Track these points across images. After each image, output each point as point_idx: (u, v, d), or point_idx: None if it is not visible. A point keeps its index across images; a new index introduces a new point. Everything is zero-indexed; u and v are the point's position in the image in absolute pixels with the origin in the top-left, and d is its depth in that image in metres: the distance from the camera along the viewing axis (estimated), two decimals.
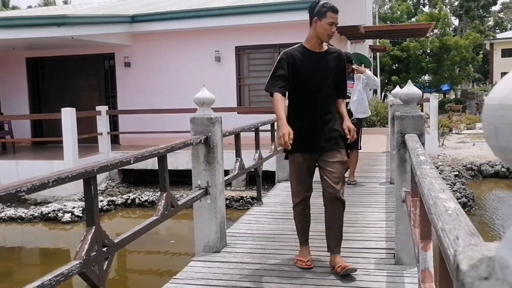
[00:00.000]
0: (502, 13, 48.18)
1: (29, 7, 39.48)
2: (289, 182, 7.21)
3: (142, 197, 9.79)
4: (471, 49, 27.85)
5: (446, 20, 27.48)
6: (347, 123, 3.69)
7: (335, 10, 3.56)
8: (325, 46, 3.73)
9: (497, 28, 40.77)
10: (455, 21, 35.42)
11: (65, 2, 42.69)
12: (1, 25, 11.14)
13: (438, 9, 29.61)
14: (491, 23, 39.37)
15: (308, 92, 3.63)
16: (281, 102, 3.57)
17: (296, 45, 3.73)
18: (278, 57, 3.69)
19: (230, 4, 12.98)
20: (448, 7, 34.20)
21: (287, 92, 3.70)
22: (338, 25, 4.28)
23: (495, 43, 35.78)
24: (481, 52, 30.67)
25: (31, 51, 13.40)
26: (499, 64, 35.12)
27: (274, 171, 7.56)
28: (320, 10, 3.53)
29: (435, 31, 27.44)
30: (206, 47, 12.30)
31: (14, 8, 40.70)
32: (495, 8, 40.07)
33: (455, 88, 33.47)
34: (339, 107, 3.77)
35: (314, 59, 3.64)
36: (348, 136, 3.66)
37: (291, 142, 3.43)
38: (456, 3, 35.13)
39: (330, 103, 3.70)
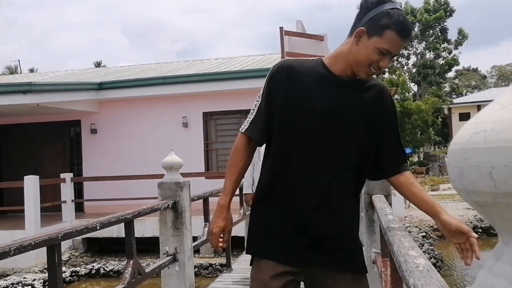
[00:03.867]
0: (457, 80, 50.71)
1: None
2: None
3: (107, 267, 9.44)
4: (431, 113, 28.94)
5: (405, 85, 28.64)
6: (454, 222, 1.89)
7: (403, 32, 1.76)
8: None
9: (454, 93, 42.73)
10: (414, 87, 36.97)
11: (32, 70, 42.78)
12: None
13: (397, 75, 30.94)
14: (447, 88, 41.25)
15: (310, 148, 1.84)
16: (240, 156, 1.99)
17: (311, 59, 1.98)
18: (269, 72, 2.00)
19: (197, 72, 13.27)
20: (407, 74, 35.81)
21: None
22: None
23: (452, 108, 37.33)
24: (440, 116, 31.90)
25: None
26: (457, 128, 36.50)
27: (243, 237, 7.45)
28: (377, 20, 1.75)
29: (396, 96, 28.49)
30: (173, 113, 12.41)
31: None
32: (450, 75, 42.20)
33: (417, 151, 34.42)
34: (409, 188, 1.93)
35: (334, 89, 1.86)
36: (465, 258, 1.81)
37: (223, 245, 1.96)
38: (414, 70, 36.82)
39: (351, 178, 1.87)
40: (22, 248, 2.30)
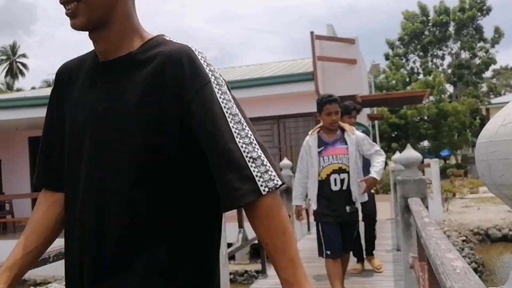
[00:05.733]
0: (494, 79, 49.45)
1: (33, 88, 40.61)
2: None
3: None
4: (469, 114, 28.31)
5: (441, 87, 28.11)
6: None
7: None
8: (136, 43, 1.17)
9: (491, 93, 41.65)
10: (450, 88, 36.24)
11: None
12: (6, 106, 11.42)
13: (432, 76, 30.40)
14: (485, 89, 40.26)
15: (75, 178, 1.17)
16: (35, 211, 1.30)
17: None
18: None
19: (229, 79, 13.35)
20: (442, 74, 35.14)
21: None
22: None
23: (490, 108, 36.46)
24: (477, 117, 31.16)
25: (34, 130, 13.62)
26: None
27: None
28: None
29: (431, 97, 27.97)
30: None
31: (18, 90, 41.87)
32: (488, 74, 41.16)
33: (455, 153, 33.66)
34: (253, 226, 1.09)
35: (99, 82, 1.18)
36: None
37: None
38: (449, 71, 36.09)
39: (138, 224, 1.08)
40: (61, 255, 2.35)
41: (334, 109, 4.16)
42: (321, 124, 4.29)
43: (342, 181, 4.07)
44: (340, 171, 4.07)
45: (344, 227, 4.15)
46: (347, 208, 4.07)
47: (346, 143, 4.16)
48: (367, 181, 4.19)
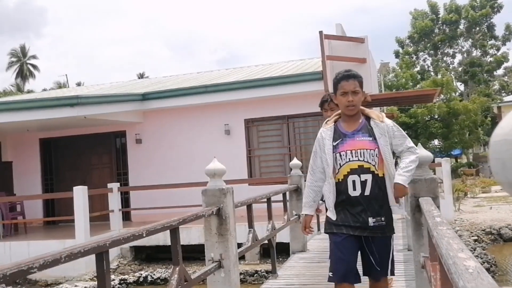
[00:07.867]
0: (506, 77, 48.99)
1: (44, 90, 40.87)
2: (304, 253, 7.05)
3: (154, 275, 9.59)
4: (480, 113, 28.12)
5: (450, 85, 27.94)
6: None
7: None
8: None
9: (503, 91, 41.27)
10: (460, 86, 35.95)
11: (78, 84, 44.21)
12: (17, 107, 11.50)
13: (441, 75, 30.23)
14: (496, 87, 39.92)
15: None
16: None
17: None
18: None
19: (238, 79, 13.36)
20: (453, 73, 34.87)
21: None
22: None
23: (502, 106, 36.10)
24: (489, 116, 30.92)
25: (45, 132, 13.72)
26: None
27: (288, 243, 7.42)
28: None
29: (441, 96, 27.80)
30: (215, 121, 12.53)
31: (29, 92, 42.17)
32: (499, 72, 40.80)
33: (466, 152, 33.41)
34: None
35: None
36: None
37: None
38: (460, 69, 35.83)
39: None
40: (72, 256, 2.36)
41: (351, 87, 3.19)
42: (339, 111, 3.36)
43: (363, 183, 3.12)
44: (361, 170, 3.12)
45: (366, 244, 3.16)
46: (370, 220, 3.10)
47: (370, 135, 3.19)
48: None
